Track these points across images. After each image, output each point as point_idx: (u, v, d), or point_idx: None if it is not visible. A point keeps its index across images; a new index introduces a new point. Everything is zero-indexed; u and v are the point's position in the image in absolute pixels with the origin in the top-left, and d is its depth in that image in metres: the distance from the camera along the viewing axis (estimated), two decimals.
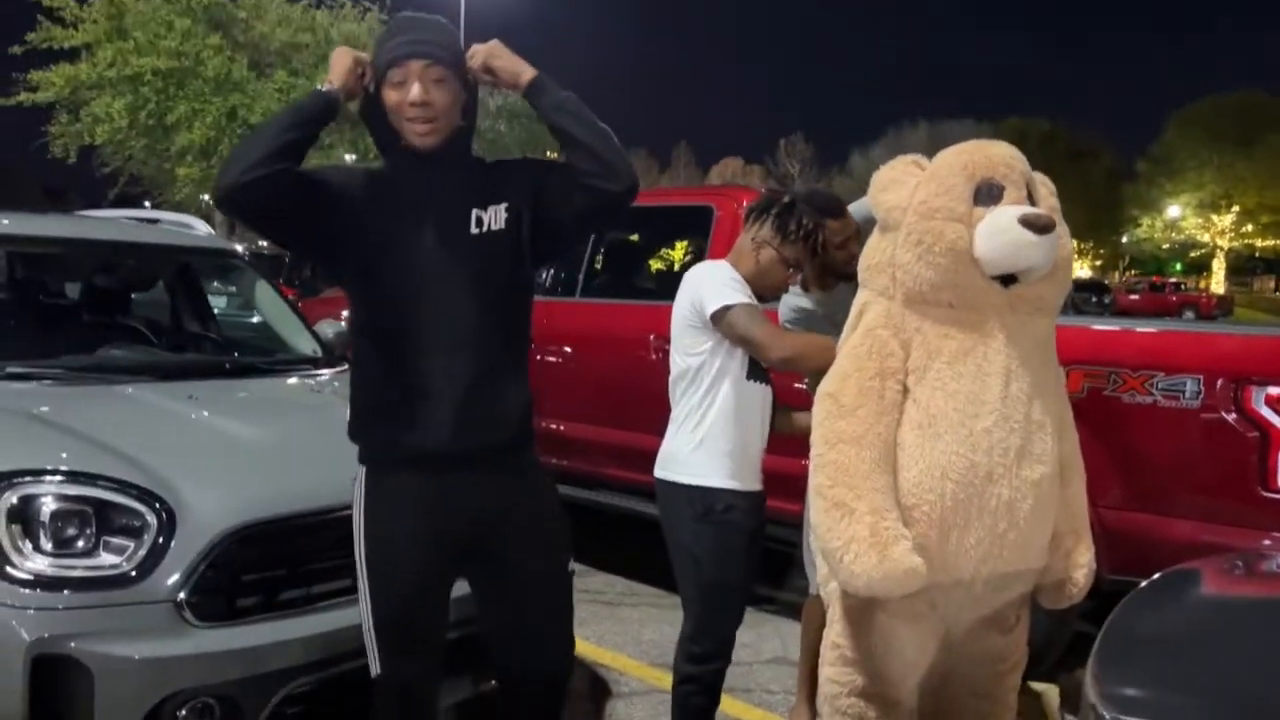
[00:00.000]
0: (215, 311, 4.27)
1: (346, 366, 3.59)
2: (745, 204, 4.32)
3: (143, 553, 2.23)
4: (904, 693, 2.28)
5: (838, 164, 54.45)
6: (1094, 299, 28.72)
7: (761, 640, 3.86)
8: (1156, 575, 1.84)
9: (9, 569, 2.16)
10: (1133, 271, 52.58)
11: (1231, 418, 2.90)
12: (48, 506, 2.23)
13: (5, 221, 3.57)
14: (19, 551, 2.18)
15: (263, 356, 3.72)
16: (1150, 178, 48.95)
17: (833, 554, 2.16)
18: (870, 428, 2.21)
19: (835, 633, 2.36)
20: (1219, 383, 2.91)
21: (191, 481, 2.37)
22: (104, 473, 2.31)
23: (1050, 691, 3.15)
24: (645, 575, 4.58)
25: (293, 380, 3.45)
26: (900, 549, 2.10)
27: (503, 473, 2.01)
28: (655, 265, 5.41)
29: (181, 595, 2.22)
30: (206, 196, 20.09)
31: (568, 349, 4.68)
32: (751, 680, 3.57)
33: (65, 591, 2.17)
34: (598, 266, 5.08)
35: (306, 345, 3.71)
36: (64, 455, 2.38)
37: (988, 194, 2.23)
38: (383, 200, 1.96)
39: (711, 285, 2.52)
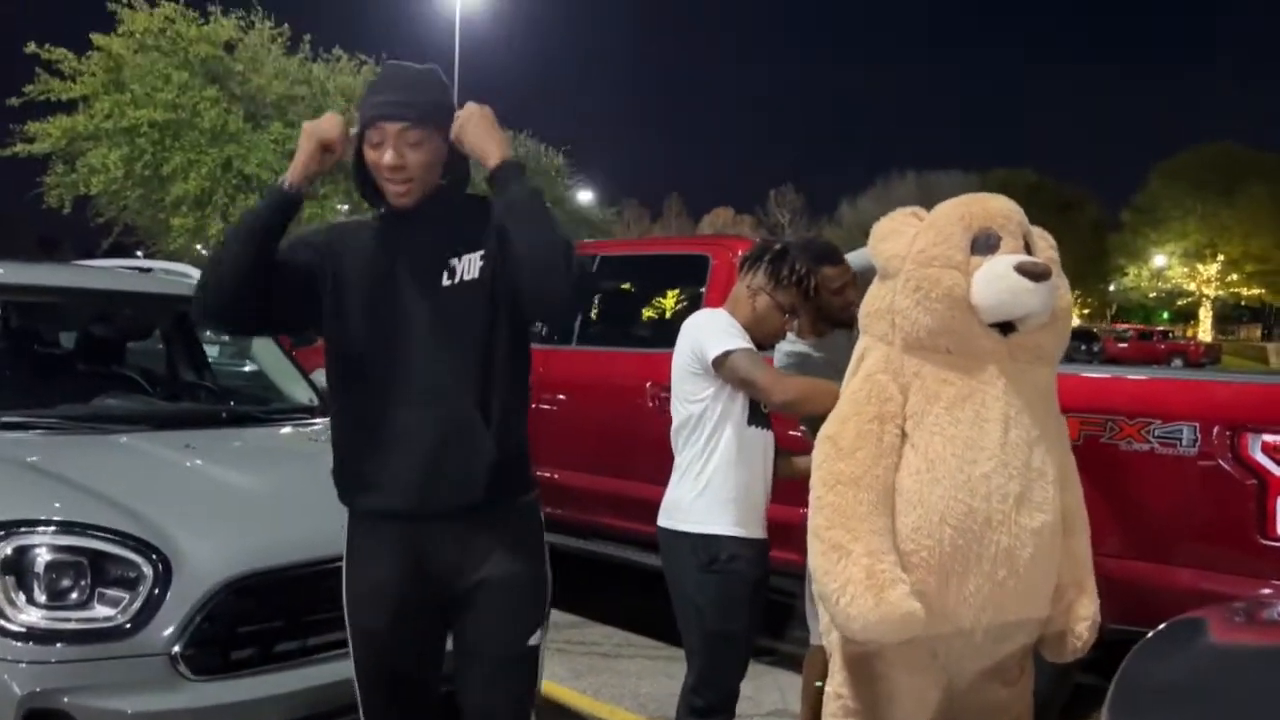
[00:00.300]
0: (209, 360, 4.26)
1: None
2: (740, 253, 4.36)
3: (138, 605, 2.20)
4: None
5: (827, 214, 55.07)
6: (1083, 347, 28.98)
7: (761, 692, 3.81)
8: (1163, 625, 1.83)
9: (2, 622, 2.13)
10: (1117, 320, 52.93)
11: (1229, 465, 2.91)
12: (42, 558, 2.20)
13: (1, 271, 3.58)
14: (12, 604, 2.15)
15: (259, 405, 3.71)
16: (1135, 227, 49.55)
17: (829, 596, 2.16)
18: (868, 470, 2.21)
19: (837, 683, 2.34)
20: (1215, 430, 2.92)
21: (188, 531, 2.35)
22: (99, 523, 2.29)
23: None
24: (643, 627, 4.53)
25: (289, 429, 3.44)
26: (897, 592, 2.09)
27: (477, 532, 1.91)
28: (651, 313, 5.43)
29: (176, 648, 2.20)
30: (200, 246, 20.19)
31: (563, 397, 4.67)
32: None
33: (58, 644, 2.14)
34: (594, 314, 5.10)
35: (303, 394, 3.71)
36: (58, 505, 2.36)
37: (985, 243, 2.26)
38: (359, 255, 1.94)
39: (711, 331, 2.55)
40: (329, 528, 2.18)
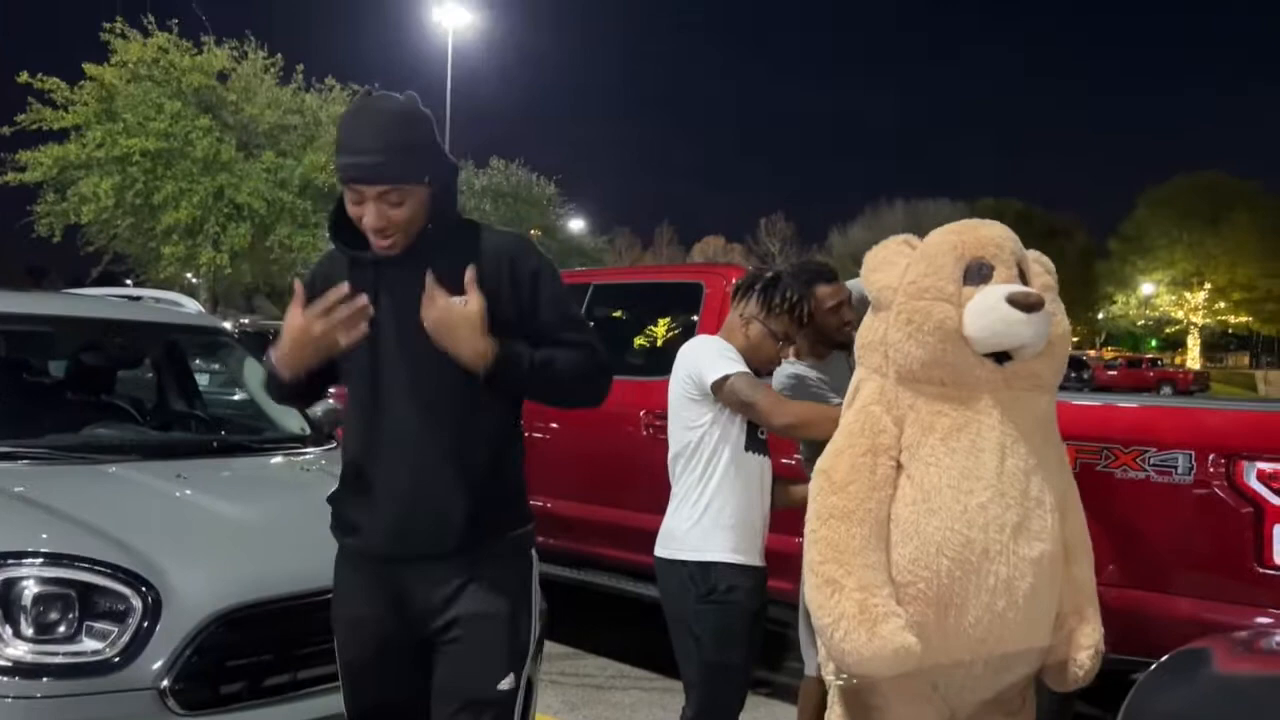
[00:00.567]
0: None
1: (335, 445, 3.56)
2: (733, 280, 4.37)
3: (126, 638, 2.17)
4: None
5: (817, 242, 55.31)
6: (1073, 374, 29.08)
7: None
8: (1167, 657, 1.82)
9: None
10: (1105, 348, 53.19)
11: (1224, 493, 2.90)
12: (30, 590, 2.17)
13: None
14: None
15: (250, 435, 3.68)
16: (1123, 256, 49.95)
17: (823, 631, 2.15)
18: (861, 504, 2.21)
19: (836, 715, 2.32)
20: (1210, 458, 2.91)
21: (178, 563, 2.32)
22: (88, 554, 2.26)
23: None
24: (638, 658, 4.49)
25: (281, 459, 3.41)
26: (890, 627, 2.07)
27: (453, 572, 1.84)
28: (645, 341, 5.43)
29: (165, 682, 2.16)
30: (190, 275, 20.17)
31: (556, 425, 4.65)
32: None
33: (45, 679, 2.10)
34: None
35: (294, 423, 3.68)
36: (46, 536, 2.33)
37: (977, 273, 2.26)
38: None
39: (709, 357, 2.55)
40: (321, 559, 2.16)
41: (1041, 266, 2.37)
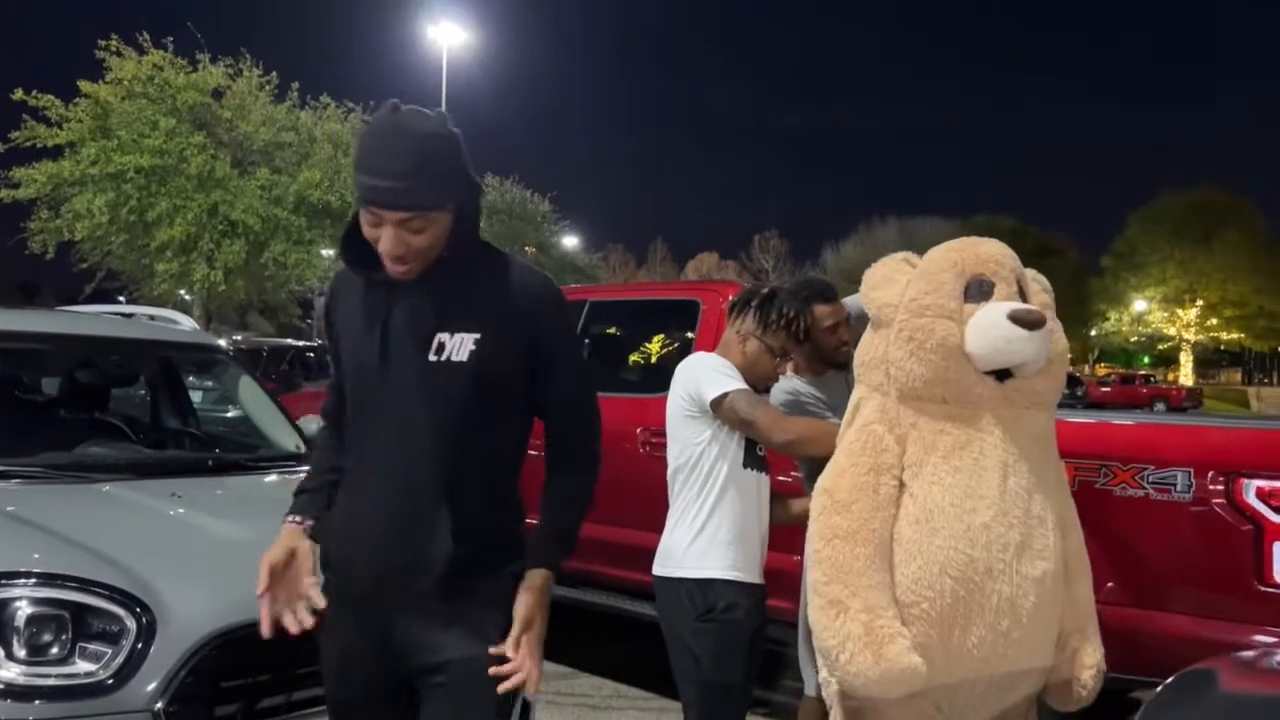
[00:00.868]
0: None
1: None
2: (730, 297, 4.36)
3: (120, 659, 2.14)
4: None
5: (811, 259, 55.48)
6: (1067, 390, 29.00)
7: None
8: (1173, 678, 1.81)
9: None
10: (1101, 365, 53.35)
11: (1223, 511, 2.90)
12: (22, 611, 2.14)
13: None
14: None
15: (245, 453, 3.66)
16: (1115, 272, 50.19)
17: (828, 652, 2.13)
18: (865, 523, 2.19)
19: None
20: (1210, 475, 2.91)
21: (173, 583, 2.30)
22: (81, 574, 2.24)
23: None
24: (634, 677, 4.46)
25: (276, 477, 3.38)
26: (896, 648, 2.06)
27: (442, 609, 1.72)
28: (641, 358, 5.43)
29: (159, 705, 2.13)
30: (184, 291, 20.13)
31: None
32: None
33: (37, 702, 2.08)
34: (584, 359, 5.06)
35: (289, 441, 3.66)
36: (38, 556, 2.31)
37: (978, 290, 2.26)
38: (356, 318, 1.80)
39: (707, 374, 2.54)
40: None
41: (1039, 285, 2.37)
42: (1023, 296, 2.29)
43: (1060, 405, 2.57)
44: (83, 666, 2.14)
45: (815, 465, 2.47)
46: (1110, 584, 3.05)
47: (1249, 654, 2.16)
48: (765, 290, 2.72)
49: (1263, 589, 2.85)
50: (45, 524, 2.50)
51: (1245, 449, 2.96)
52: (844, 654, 2.08)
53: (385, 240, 1.66)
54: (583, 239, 37.77)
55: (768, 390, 2.85)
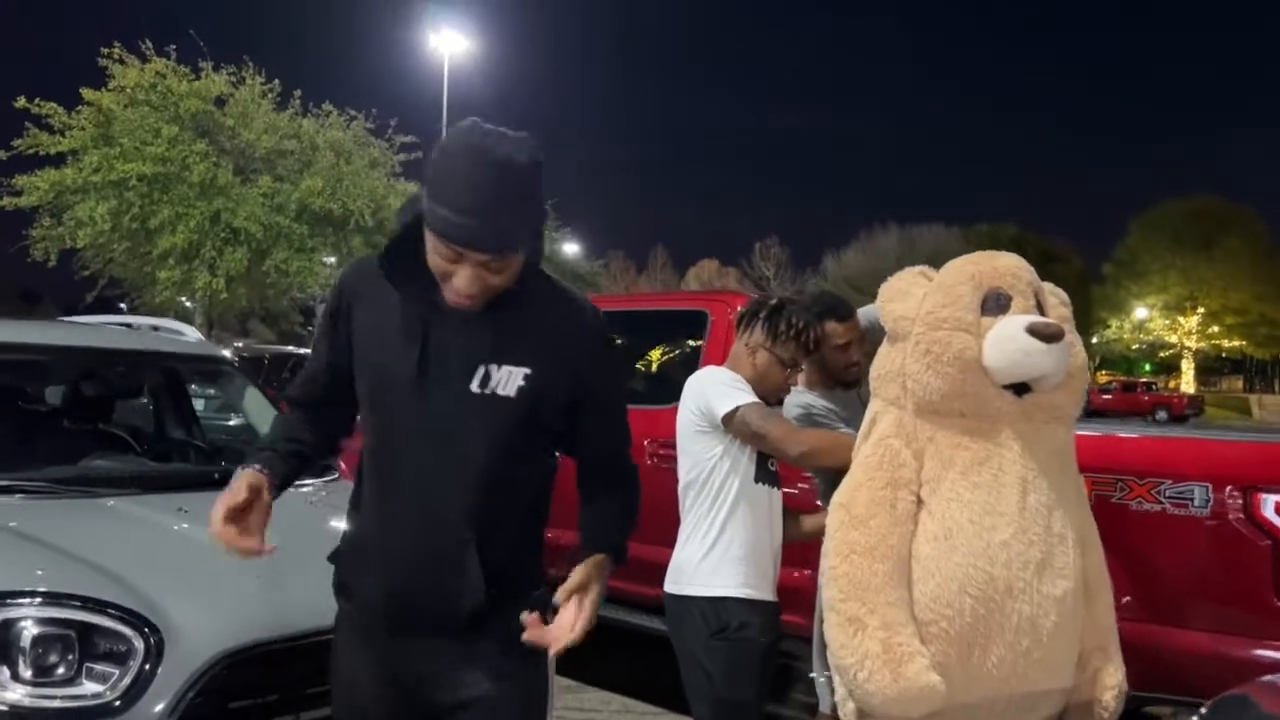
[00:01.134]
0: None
1: (337, 476, 3.50)
2: (739, 308, 4.33)
3: (128, 680, 2.11)
4: None
5: (812, 266, 55.42)
6: None
7: None
8: (1211, 702, 1.78)
9: None
10: (1102, 372, 53.37)
11: (1241, 526, 2.87)
12: (28, 631, 2.11)
13: None
14: None
15: None
16: (1117, 280, 50.20)
17: (846, 670, 2.11)
18: (883, 539, 2.17)
19: None
20: (1228, 490, 2.88)
21: (181, 601, 2.27)
22: (87, 593, 2.21)
23: None
24: (643, 692, 4.42)
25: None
26: (915, 666, 2.04)
27: (460, 644, 1.64)
28: (649, 369, 5.40)
29: None
30: (185, 299, 20.12)
31: (557, 454, 4.59)
32: None
33: None
34: None
35: None
36: (44, 574, 2.28)
37: (995, 303, 2.24)
38: (388, 325, 1.65)
39: (717, 388, 2.52)
40: (327, 597, 2.09)
41: (1057, 298, 2.35)
42: (1040, 310, 2.26)
43: None
44: (90, 687, 2.11)
45: (832, 479, 2.45)
46: (1126, 599, 3.02)
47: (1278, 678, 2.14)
48: (774, 301, 2.70)
49: None
50: (50, 540, 2.47)
51: (1264, 463, 2.93)
52: (862, 672, 2.06)
53: (461, 278, 1.52)
54: (583, 246, 37.71)
55: (780, 403, 2.83)
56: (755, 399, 2.50)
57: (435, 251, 1.54)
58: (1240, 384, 56.66)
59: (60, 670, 2.11)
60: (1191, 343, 49.38)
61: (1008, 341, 2.18)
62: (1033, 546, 2.14)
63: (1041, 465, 2.20)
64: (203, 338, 4.56)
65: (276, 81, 18.84)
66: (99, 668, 2.13)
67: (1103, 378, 47.21)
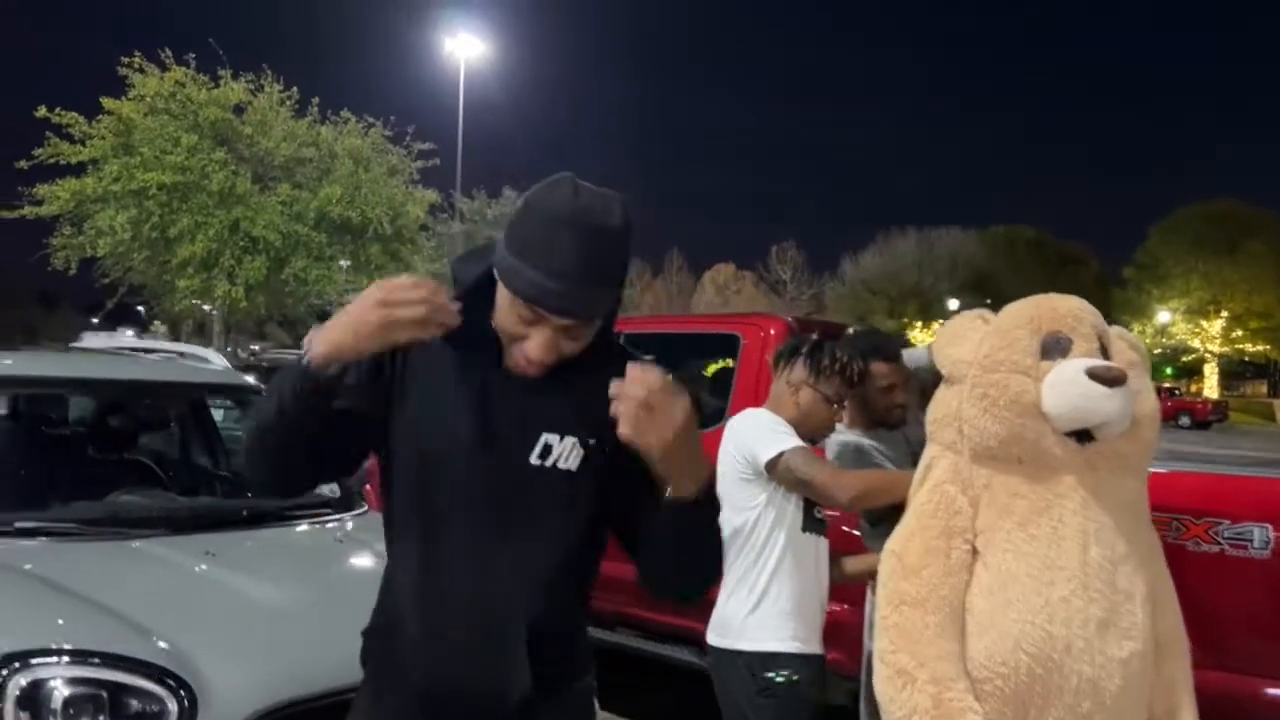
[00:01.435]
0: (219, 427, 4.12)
1: (366, 509, 3.44)
2: (772, 331, 4.26)
3: None
4: None
5: (829, 269, 55.10)
6: None
7: None
8: None
9: None
10: None
11: None
12: (59, 692, 2.05)
13: (8, 362, 3.47)
14: None
15: (279, 500, 3.56)
16: (1138, 284, 49.86)
17: None
18: (934, 590, 2.09)
19: None
20: None
21: (214, 657, 2.21)
22: (119, 651, 2.15)
23: None
24: None
25: (311, 527, 3.28)
26: None
27: None
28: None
29: None
30: (206, 305, 20.22)
31: None
32: None
33: None
34: None
35: (323, 486, 3.56)
36: (75, 630, 2.22)
37: (1055, 347, 2.15)
38: (447, 389, 1.50)
39: (759, 434, 2.44)
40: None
41: (1126, 343, 2.26)
42: (1105, 354, 2.17)
43: None
44: None
45: (876, 519, 2.37)
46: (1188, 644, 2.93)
47: None
48: (814, 338, 2.63)
49: None
50: (78, 590, 2.41)
51: None
52: None
53: (535, 344, 1.41)
54: None
55: (823, 440, 2.75)
56: (799, 442, 2.42)
57: (511, 311, 1.42)
58: (1264, 389, 56.04)
59: None
60: (1215, 347, 48.93)
61: (1067, 385, 2.09)
62: (1094, 604, 2.05)
63: (1107, 517, 2.10)
64: (228, 365, 4.51)
65: (295, 89, 18.94)
66: None
67: None
